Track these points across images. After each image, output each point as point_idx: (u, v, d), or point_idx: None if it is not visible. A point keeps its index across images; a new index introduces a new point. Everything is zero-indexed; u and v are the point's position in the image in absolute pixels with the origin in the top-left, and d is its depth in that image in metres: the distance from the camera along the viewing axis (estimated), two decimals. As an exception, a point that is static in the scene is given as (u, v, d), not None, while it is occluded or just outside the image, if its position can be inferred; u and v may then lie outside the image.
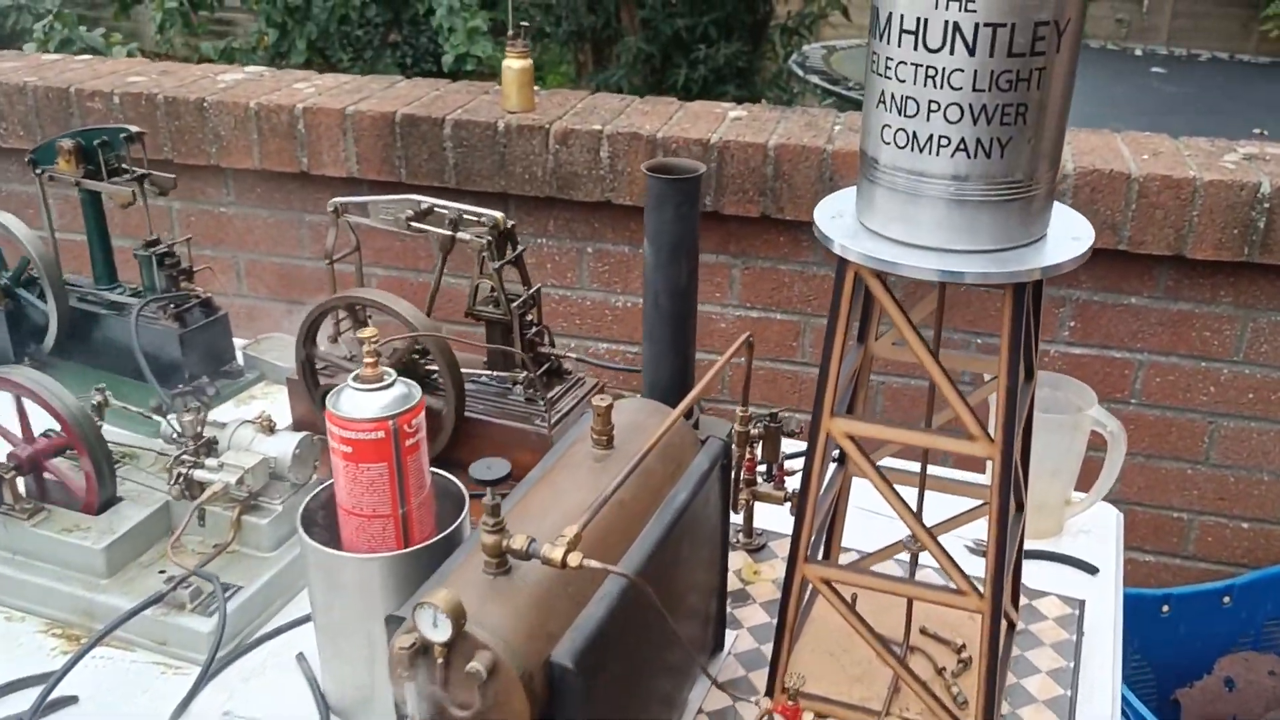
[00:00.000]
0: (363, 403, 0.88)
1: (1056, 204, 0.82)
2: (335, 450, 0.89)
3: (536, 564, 0.71)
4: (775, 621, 1.07)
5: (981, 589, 0.85)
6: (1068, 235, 0.81)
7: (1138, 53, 8.01)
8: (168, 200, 1.99)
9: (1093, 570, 1.15)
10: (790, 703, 0.83)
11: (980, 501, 0.99)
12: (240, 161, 1.90)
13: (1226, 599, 1.72)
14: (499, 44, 4.69)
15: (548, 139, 1.75)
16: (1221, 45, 7.62)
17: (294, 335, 1.60)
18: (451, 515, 0.96)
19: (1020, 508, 0.96)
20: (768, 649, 1.02)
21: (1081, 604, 1.08)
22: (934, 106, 0.74)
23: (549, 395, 1.25)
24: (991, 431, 0.81)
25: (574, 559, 0.69)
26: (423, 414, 0.91)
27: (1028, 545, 1.14)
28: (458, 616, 0.65)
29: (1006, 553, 0.85)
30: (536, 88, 1.93)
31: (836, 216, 0.84)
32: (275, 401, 1.46)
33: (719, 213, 1.74)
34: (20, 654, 1.04)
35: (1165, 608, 1.71)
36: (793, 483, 1.11)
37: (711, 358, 1.93)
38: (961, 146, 0.74)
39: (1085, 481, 1.17)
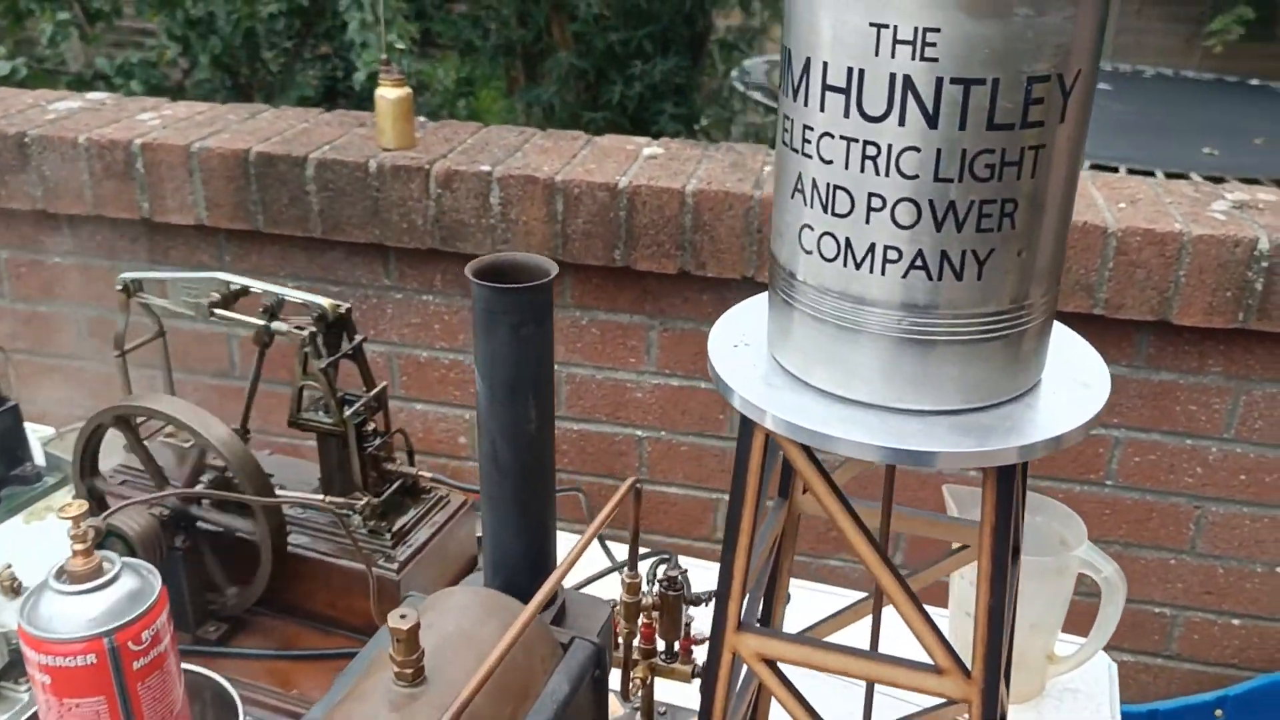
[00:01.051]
0: (69, 611, 0.61)
1: (1055, 325, 0.57)
2: (33, 678, 0.62)
3: None
4: None
5: None
6: (1072, 379, 0.56)
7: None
8: (-7, 249, 1.69)
9: (1084, 750, 0.91)
10: None
11: (942, 700, 0.74)
12: (71, 206, 1.62)
13: (1218, 712, 1.50)
14: (427, 58, 4.42)
15: (428, 182, 1.49)
16: (1165, 61, 7.53)
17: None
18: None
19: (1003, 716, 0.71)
20: None
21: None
22: (876, 203, 0.49)
23: (397, 526, 0.98)
24: (968, 660, 0.56)
25: None
26: (163, 615, 0.64)
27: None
28: None
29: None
30: (421, 119, 1.66)
31: (739, 346, 0.59)
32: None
33: (631, 268, 1.49)
34: None
35: (1150, 724, 1.48)
36: (705, 651, 0.86)
37: (625, 432, 1.68)
38: (918, 263, 0.49)
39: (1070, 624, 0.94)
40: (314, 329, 0.94)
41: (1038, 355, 0.54)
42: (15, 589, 0.86)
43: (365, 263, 1.60)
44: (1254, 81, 5.77)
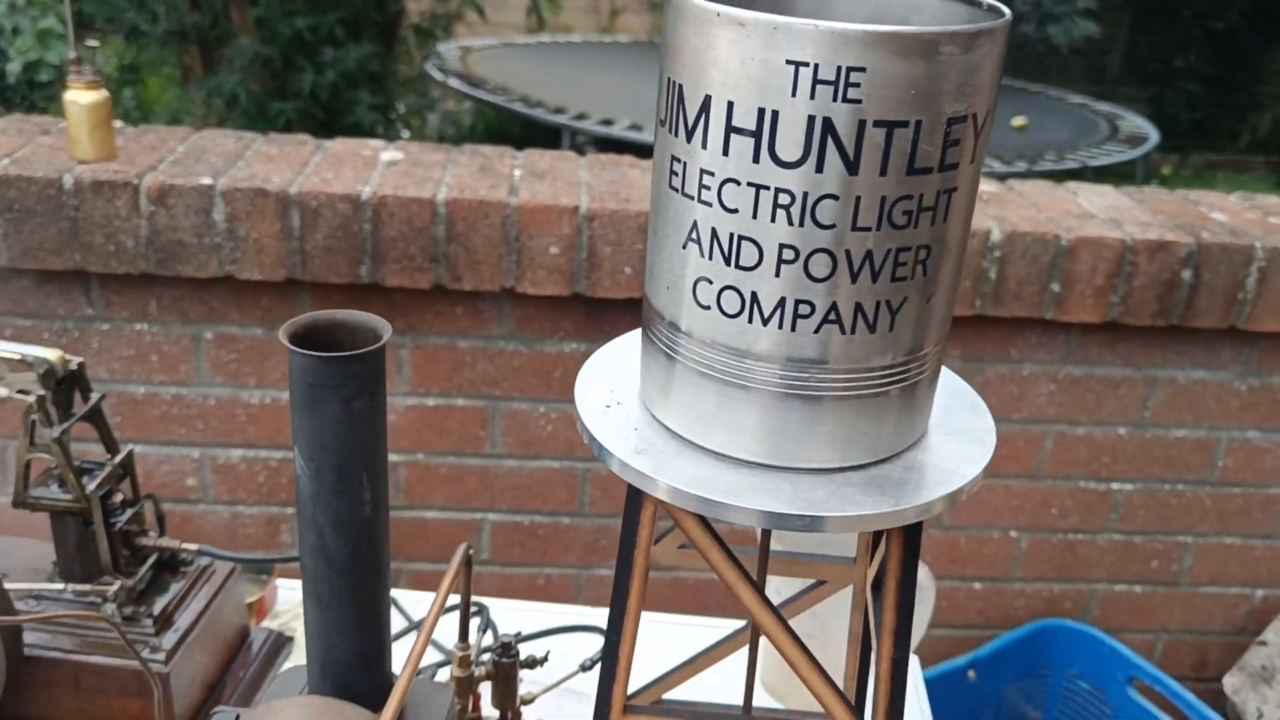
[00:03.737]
0: None
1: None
2: None
3: None
4: None
5: None
6: (953, 428, 0.54)
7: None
8: None
9: (907, 755, 0.91)
10: None
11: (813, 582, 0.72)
12: None
13: (971, 673, 1.59)
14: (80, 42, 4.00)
15: (138, 198, 1.32)
16: (1012, 72, 8.03)
17: None
18: None
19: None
20: None
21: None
22: (788, 254, 0.44)
23: (159, 608, 0.85)
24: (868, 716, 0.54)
25: None
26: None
27: None
28: None
29: None
30: (119, 123, 1.47)
31: (612, 406, 0.53)
32: None
33: (379, 284, 1.38)
34: None
35: (914, 695, 1.55)
36: (534, 712, 0.80)
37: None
38: (831, 317, 0.45)
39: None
40: (41, 391, 0.79)
41: (928, 402, 0.52)
42: None
43: (61, 291, 1.40)
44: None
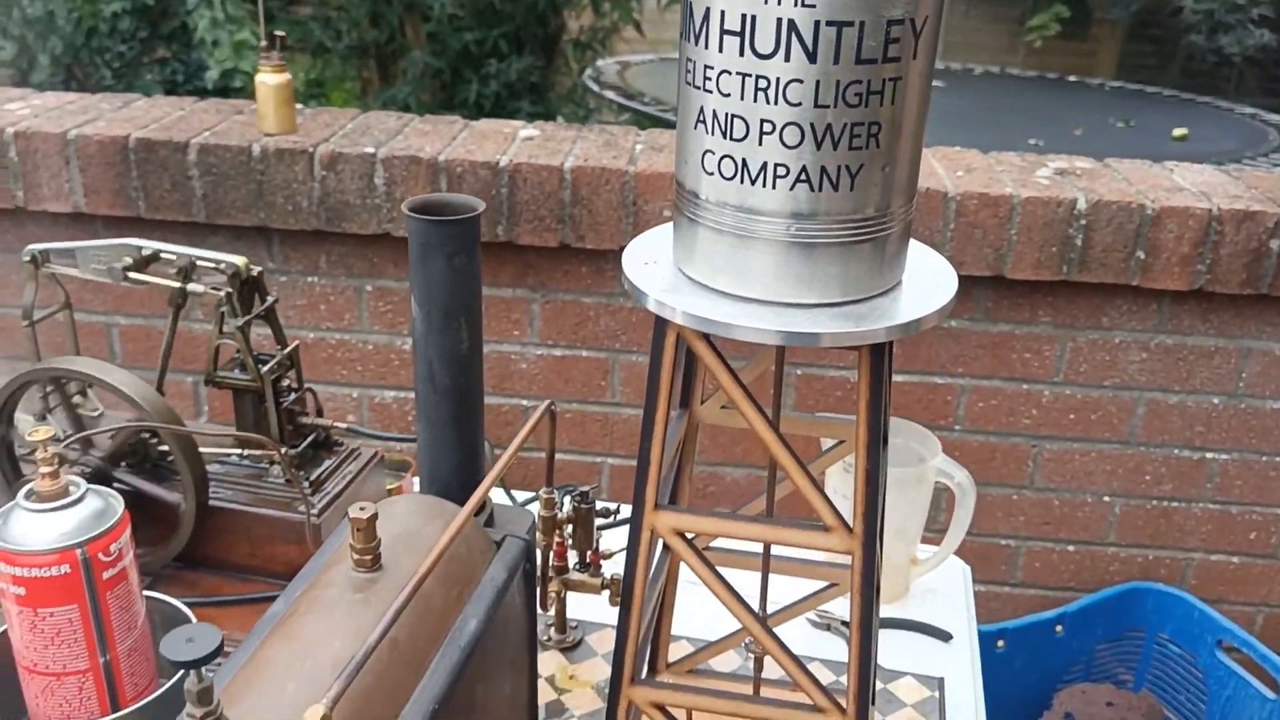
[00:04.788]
0: (40, 527, 0.66)
1: (912, 241, 0.68)
2: (4, 592, 0.67)
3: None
4: (597, 741, 0.90)
5: (844, 704, 0.70)
6: (926, 280, 0.67)
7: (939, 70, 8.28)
8: None
9: (946, 637, 1.03)
10: None
11: (828, 584, 0.85)
12: (-61, 196, 1.60)
13: (1059, 628, 1.66)
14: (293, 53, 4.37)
15: (312, 164, 1.53)
16: (992, 59, 7.97)
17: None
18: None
19: (877, 590, 0.82)
20: (591, 780, 0.85)
21: (940, 683, 0.95)
22: (767, 127, 0.59)
23: (314, 475, 1.04)
24: (849, 519, 0.67)
25: (320, 760, 0.50)
26: (126, 532, 0.69)
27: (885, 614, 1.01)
28: None
29: (871, 664, 0.70)
30: (300, 106, 1.70)
31: (650, 264, 0.68)
32: (-24, 493, 1.20)
33: (514, 243, 1.57)
34: None
35: (1000, 643, 1.63)
36: (611, 566, 0.95)
37: (511, 402, 1.76)
38: (803, 177, 0.59)
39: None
40: (229, 289, 0.99)
41: (899, 258, 0.65)
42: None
43: (249, 246, 1.63)
44: (1071, 78, 6.20)
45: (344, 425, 1.07)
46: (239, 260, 1.00)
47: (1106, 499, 1.70)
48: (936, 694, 0.94)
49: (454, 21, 4.63)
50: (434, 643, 0.65)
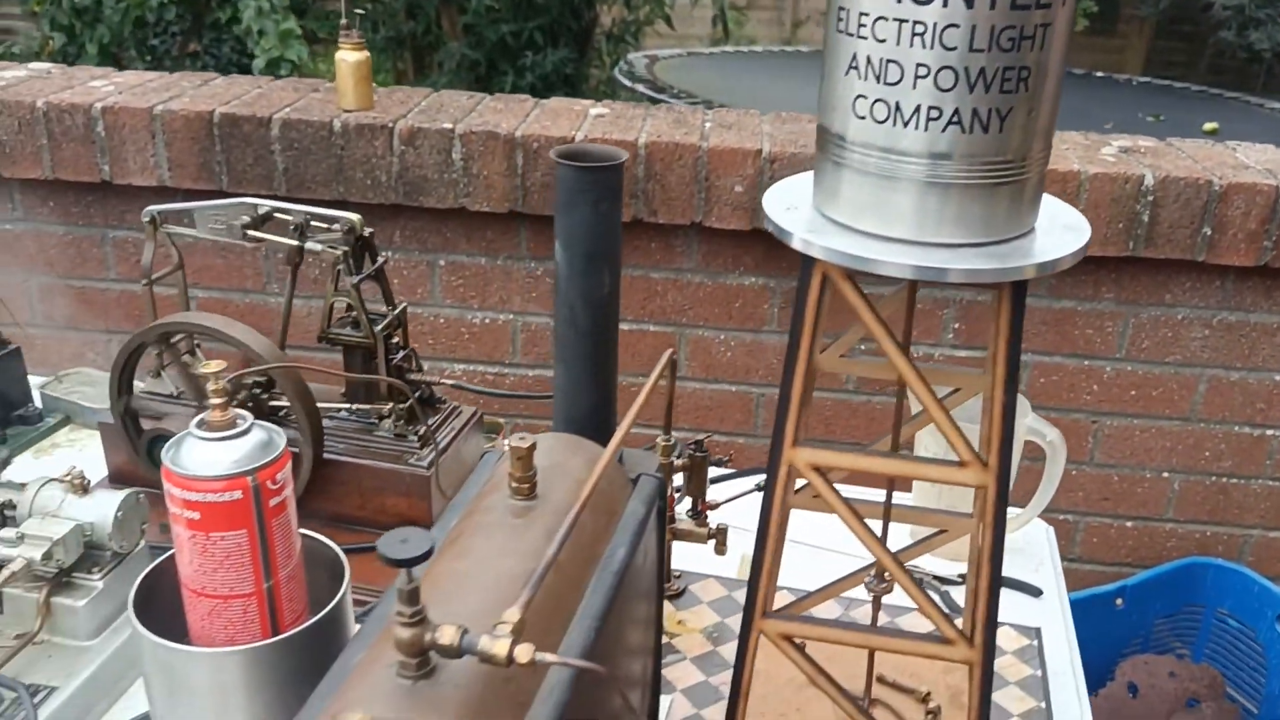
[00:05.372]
0: (212, 456, 0.70)
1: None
2: (177, 517, 0.70)
3: (467, 661, 0.55)
4: (711, 681, 0.93)
5: (967, 634, 0.73)
6: (1059, 225, 0.70)
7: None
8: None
9: (1037, 592, 1.05)
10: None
11: (935, 530, 0.88)
12: (27, 170, 1.64)
13: (1119, 601, 1.69)
14: (313, 50, 4.42)
15: (392, 139, 1.57)
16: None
17: (105, 369, 1.37)
18: (327, 587, 0.78)
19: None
20: (710, 714, 0.88)
21: (1038, 632, 0.98)
22: (922, 71, 0.62)
23: (422, 430, 1.07)
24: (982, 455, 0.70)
25: (523, 653, 0.53)
26: (288, 464, 0.73)
27: (965, 571, 1.04)
28: (377, 747, 0.48)
29: (999, 596, 0.73)
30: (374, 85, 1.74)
31: (791, 209, 0.71)
32: (86, 450, 1.24)
33: (587, 218, 1.60)
34: None
35: (1061, 615, 1.65)
36: (716, 517, 0.98)
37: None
38: (954, 119, 0.62)
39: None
40: (345, 247, 1.03)
41: (1035, 202, 0.68)
42: (84, 487, 0.92)
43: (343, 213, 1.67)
44: (1099, 74, 6.20)
45: (450, 382, 1.10)
46: (354, 217, 1.03)
47: (1166, 475, 1.72)
48: (1035, 643, 0.96)
49: (490, 14, 4.67)
50: (587, 567, 0.68)
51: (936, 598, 1.06)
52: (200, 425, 0.70)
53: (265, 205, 1.05)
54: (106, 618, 0.91)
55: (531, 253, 1.67)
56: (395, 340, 1.08)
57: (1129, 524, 1.76)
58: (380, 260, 1.07)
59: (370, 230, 1.06)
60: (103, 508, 0.91)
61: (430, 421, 1.10)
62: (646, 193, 1.57)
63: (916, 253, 0.65)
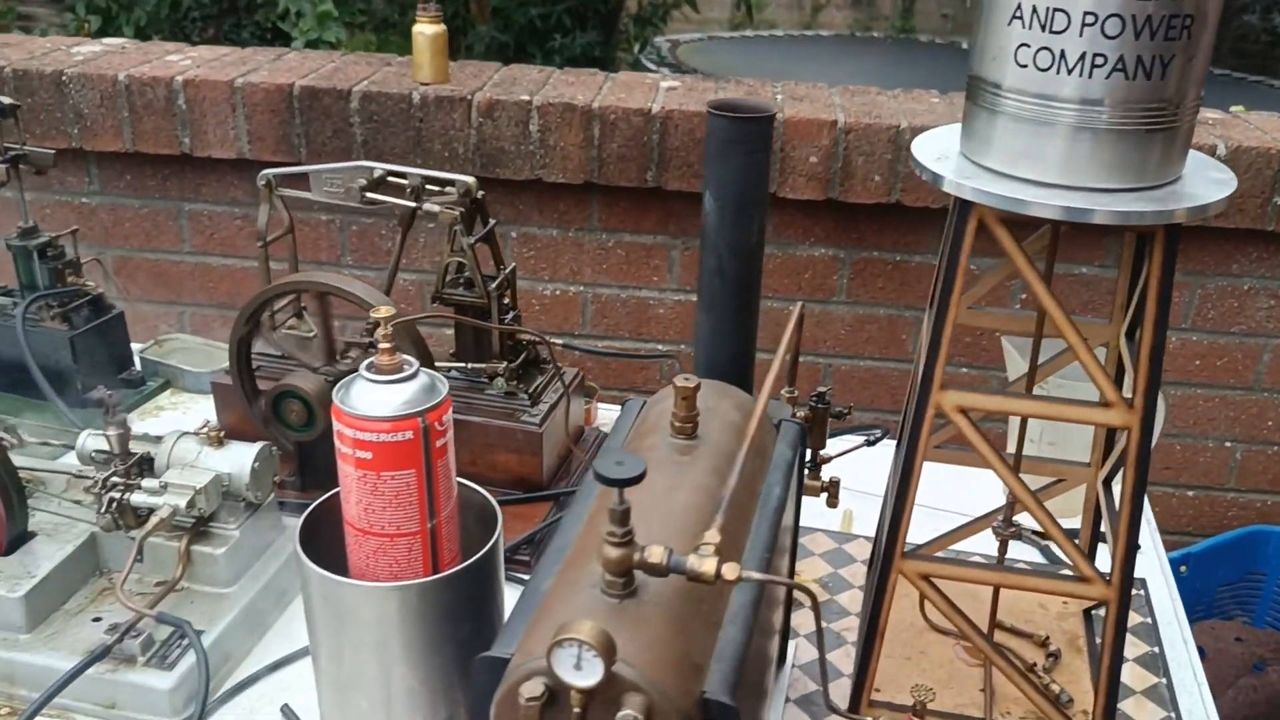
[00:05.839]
0: (383, 397, 0.72)
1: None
2: (347, 457, 0.73)
3: (664, 582, 0.58)
4: (831, 627, 0.96)
5: (1088, 575, 0.75)
6: (1204, 175, 0.72)
7: (964, 46, 8.31)
8: (13, 192, 1.72)
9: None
10: (918, 718, 0.72)
11: (1052, 479, 0.90)
12: (108, 144, 1.67)
13: (1183, 568, 1.71)
14: (351, 30, 4.44)
15: (470, 112, 1.59)
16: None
17: (196, 336, 1.40)
18: (477, 530, 0.81)
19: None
20: (834, 657, 0.91)
21: (1144, 583, 1.00)
22: (1089, 19, 0.64)
23: (532, 388, 1.10)
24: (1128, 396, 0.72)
25: (730, 571, 0.55)
26: (451, 408, 0.75)
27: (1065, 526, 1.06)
28: (609, 654, 0.51)
29: (1137, 537, 0.75)
30: (445, 59, 1.76)
31: (942, 158, 0.73)
32: (189, 413, 1.26)
33: (661, 189, 1.62)
34: (-81, 736, 0.83)
35: (1127, 581, 1.67)
36: (828, 470, 1.00)
37: (648, 346, 1.81)
38: (1119, 65, 0.64)
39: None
40: (460, 208, 1.05)
41: (1184, 151, 0.70)
42: (220, 440, 0.95)
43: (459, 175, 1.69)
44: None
45: (559, 342, 1.13)
46: (469, 180, 1.06)
47: (1228, 445, 1.74)
48: (1142, 592, 0.99)
49: (518, -4, 4.69)
50: (748, 502, 0.71)
51: (1035, 553, 1.09)
52: (370, 368, 0.73)
53: (380, 168, 1.08)
54: (243, 565, 0.94)
55: (603, 225, 1.69)
56: (506, 300, 1.10)
57: (1190, 493, 1.78)
58: (492, 222, 1.10)
59: (483, 192, 1.08)
60: (240, 459, 0.93)
61: (537, 382, 1.12)
62: (721, 164, 1.59)
63: (1065, 197, 0.67)
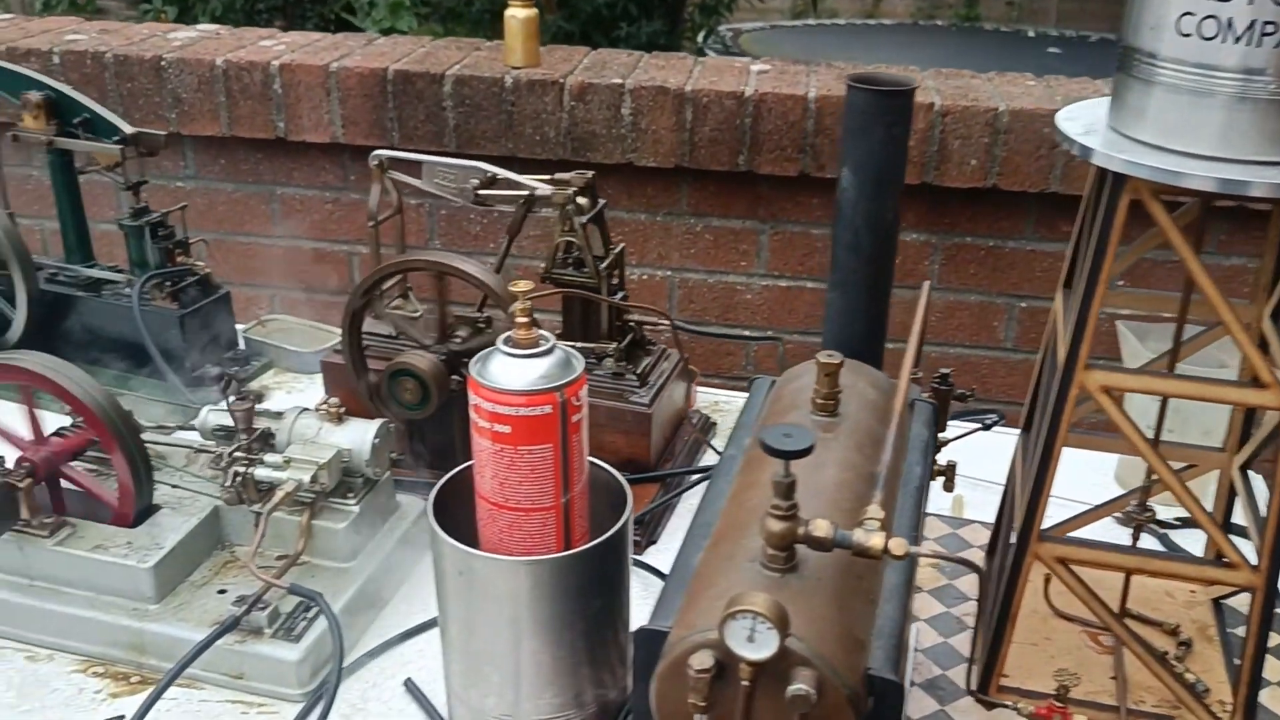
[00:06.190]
0: (522, 371, 0.72)
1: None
2: (484, 431, 0.73)
3: (824, 557, 0.57)
4: (951, 611, 0.94)
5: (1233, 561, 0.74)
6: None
7: (1030, 34, 8.20)
8: (112, 174, 1.75)
9: (1257, 536, 1.05)
10: (1060, 705, 0.71)
11: (1184, 465, 0.88)
12: (204, 128, 1.69)
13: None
14: (421, 18, 4.47)
15: (562, 95, 1.59)
16: (1107, 27, 7.82)
17: (294, 317, 1.42)
18: (599, 507, 0.80)
19: None
20: (956, 642, 0.90)
21: None
22: (1261, -15, 0.62)
23: (640, 369, 1.10)
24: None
25: (897, 546, 0.55)
26: (586, 383, 0.75)
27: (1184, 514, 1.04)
28: (783, 626, 0.50)
29: (1289, 516, 0.73)
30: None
31: (1089, 132, 0.71)
32: (294, 393, 1.28)
33: (753, 173, 1.61)
34: (55, 700, 0.85)
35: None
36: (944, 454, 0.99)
37: (735, 332, 1.80)
38: (1291, 33, 0.62)
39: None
40: (575, 187, 1.05)
41: (1349, 122, 0.68)
42: (339, 416, 0.96)
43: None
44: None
45: (666, 323, 1.12)
46: (586, 176, 1.06)
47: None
48: None
49: (585, -15, 4.69)
50: (893, 479, 0.70)
51: (1155, 542, 1.06)
52: (507, 342, 0.73)
53: (497, 172, 1.08)
54: (361, 540, 0.95)
55: (691, 209, 1.69)
56: (615, 281, 1.10)
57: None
58: (602, 202, 1.10)
59: (592, 173, 1.08)
60: (360, 435, 0.94)
61: (645, 363, 1.12)
62: (815, 147, 1.58)
63: (1220, 169, 0.65)
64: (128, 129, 1.21)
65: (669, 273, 1.73)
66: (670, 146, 1.60)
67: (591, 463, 0.80)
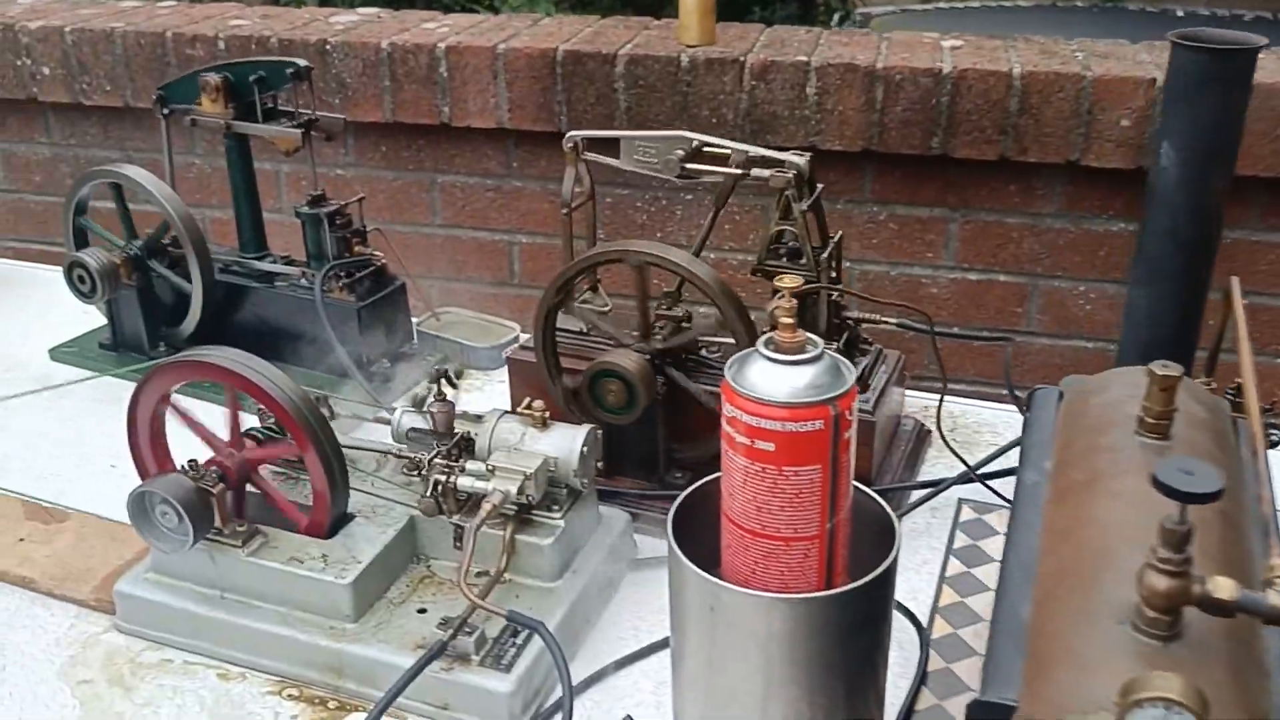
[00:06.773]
0: (788, 380, 0.62)
1: None
2: (740, 447, 0.64)
3: (1213, 621, 0.46)
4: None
5: None
6: None
7: (1179, 14, 7.79)
8: (274, 162, 1.72)
9: None
10: None
11: None
12: (367, 113, 1.64)
13: None
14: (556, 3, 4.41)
15: (742, 74, 1.49)
16: (1261, 5, 7.40)
17: (467, 310, 1.35)
18: (870, 542, 0.70)
19: None
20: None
21: None
22: None
23: (859, 370, 0.99)
24: None
25: (1326, 612, 0.44)
26: (858, 396, 0.65)
27: None
28: (1203, 715, 0.40)
29: None
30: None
31: None
32: (472, 391, 1.21)
33: (947, 156, 1.49)
34: (252, 727, 0.78)
35: None
36: None
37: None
38: None
39: None
40: (794, 172, 0.95)
41: None
42: (544, 421, 0.88)
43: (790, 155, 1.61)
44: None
45: (894, 321, 1.02)
46: (801, 160, 0.96)
47: None
48: None
49: (721, -31, 4.58)
50: (1239, 515, 0.59)
51: None
52: (769, 345, 0.63)
53: (699, 139, 0.99)
54: (568, 557, 0.87)
55: (874, 195, 1.57)
56: (834, 275, 1.00)
57: None
58: (820, 187, 1.00)
59: (809, 154, 0.98)
60: (567, 442, 0.86)
61: (862, 364, 1.02)
62: (1017, 128, 1.45)
63: None
64: (308, 113, 1.15)
65: (848, 264, 1.62)
66: (857, 128, 1.49)
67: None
